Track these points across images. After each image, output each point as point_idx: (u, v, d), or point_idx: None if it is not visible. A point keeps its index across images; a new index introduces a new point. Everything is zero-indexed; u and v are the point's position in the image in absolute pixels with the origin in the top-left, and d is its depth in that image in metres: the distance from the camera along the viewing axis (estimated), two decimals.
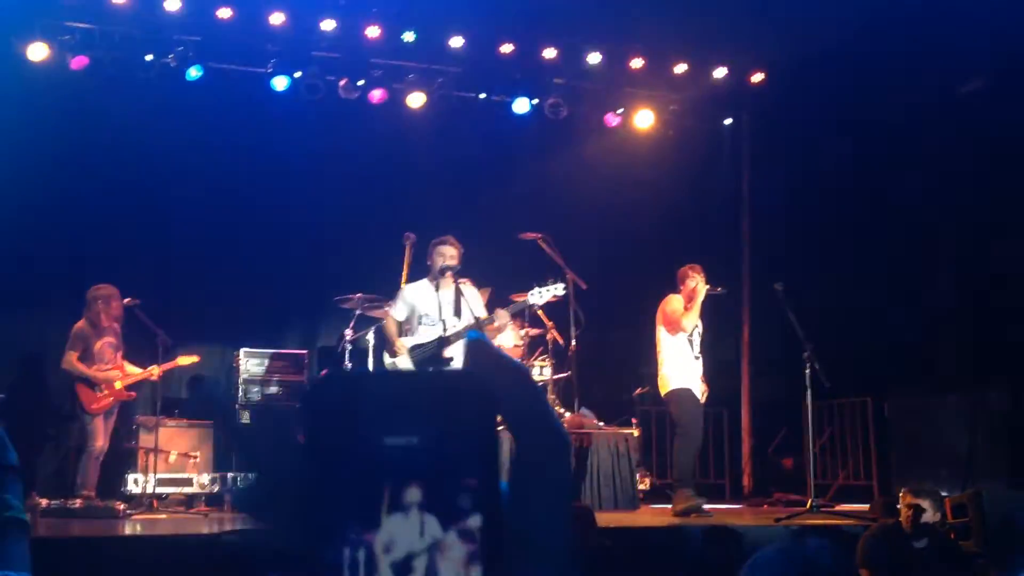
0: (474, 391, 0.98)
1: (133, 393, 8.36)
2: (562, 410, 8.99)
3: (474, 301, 7.48)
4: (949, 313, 9.59)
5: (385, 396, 0.97)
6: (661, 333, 8.11)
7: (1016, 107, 8.72)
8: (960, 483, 8.01)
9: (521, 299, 7.60)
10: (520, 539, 0.95)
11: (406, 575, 0.96)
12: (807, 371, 7.60)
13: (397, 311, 7.58)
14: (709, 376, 8.26)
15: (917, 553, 5.61)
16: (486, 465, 0.98)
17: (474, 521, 0.95)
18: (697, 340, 8.05)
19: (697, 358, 8.01)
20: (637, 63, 10.39)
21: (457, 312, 7.39)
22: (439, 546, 0.96)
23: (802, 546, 1.98)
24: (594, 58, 10.30)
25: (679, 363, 7.95)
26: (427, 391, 0.98)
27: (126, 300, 8.22)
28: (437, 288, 7.47)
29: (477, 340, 0.90)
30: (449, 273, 7.41)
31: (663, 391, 8.05)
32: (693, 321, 7.95)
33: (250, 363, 9.11)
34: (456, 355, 7.30)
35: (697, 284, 8.00)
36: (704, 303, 8.01)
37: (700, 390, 8.01)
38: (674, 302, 8.08)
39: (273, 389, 9.05)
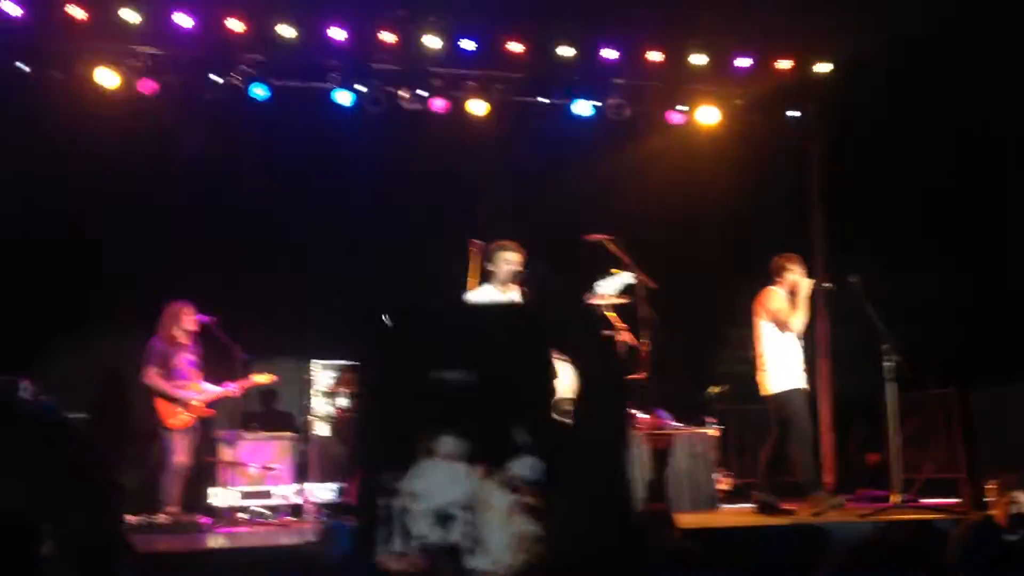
0: (530, 327, 0.96)
1: (212, 410, 8.47)
2: (638, 412, 8.90)
3: None
4: None
5: (443, 331, 0.95)
6: (763, 329, 7.79)
7: None
8: None
9: (585, 296, 7.50)
10: (585, 468, 0.92)
11: (446, 523, 0.93)
12: (887, 364, 7.43)
13: None
14: None
15: (1012, 546, 5.44)
16: (539, 404, 0.95)
17: (520, 467, 0.92)
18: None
19: (802, 344, 7.70)
20: (698, 59, 10.28)
21: None
22: (480, 497, 0.93)
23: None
24: (654, 56, 10.22)
25: (786, 362, 7.65)
26: (484, 327, 0.96)
27: (203, 317, 8.34)
28: (503, 294, 7.44)
29: (539, 270, 0.87)
30: (513, 280, 7.37)
31: (767, 391, 7.76)
32: (803, 320, 7.63)
33: (323, 375, 9.19)
34: None
35: (798, 279, 7.69)
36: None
37: (806, 380, 7.70)
38: (777, 299, 7.76)
39: (345, 400, 9.11)
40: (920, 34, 8.99)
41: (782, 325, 7.68)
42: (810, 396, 7.70)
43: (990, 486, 7.17)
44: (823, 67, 10.48)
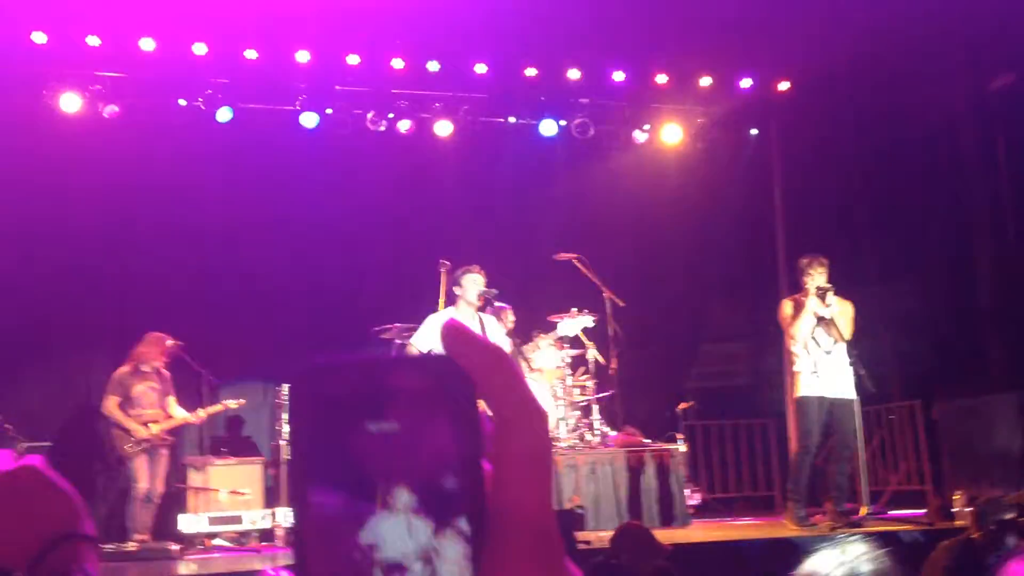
0: (453, 375, 0.98)
1: (170, 438, 8.37)
2: (607, 429, 8.96)
3: (496, 333, 7.52)
4: (992, 312, 9.48)
5: (365, 383, 0.96)
6: (786, 339, 7.81)
7: None
8: (1015, 483, 7.88)
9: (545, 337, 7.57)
10: (505, 516, 0.95)
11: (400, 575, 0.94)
12: (853, 377, 7.51)
13: (419, 339, 7.57)
14: (755, 387, 8.15)
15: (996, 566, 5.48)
16: (469, 454, 0.97)
17: (462, 520, 0.94)
18: (824, 333, 7.54)
19: (828, 352, 7.50)
20: (661, 78, 10.41)
21: None
22: (431, 547, 0.95)
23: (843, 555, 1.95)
24: (618, 76, 10.33)
25: (801, 368, 7.58)
26: (407, 377, 0.97)
27: (169, 343, 8.29)
28: (465, 318, 7.48)
29: (452, 324, 0.89)
30: (482, 300, 7.43)
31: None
32: (804, 330, 7.49)
33: None
34: None
35: (810, 281, 7.50)
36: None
37: (836, 388, 7.49)
38: (785, 307, 7.72)
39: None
40: (878, 51, 9.14)
41: (787, 335, 7.70)
42: (826, 403, 7.48)
43: (957, 497, 7.30)
44: (783, 85, 10.63)
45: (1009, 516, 5.44)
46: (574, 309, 7.88)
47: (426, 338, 7.56)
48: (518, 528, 0.97)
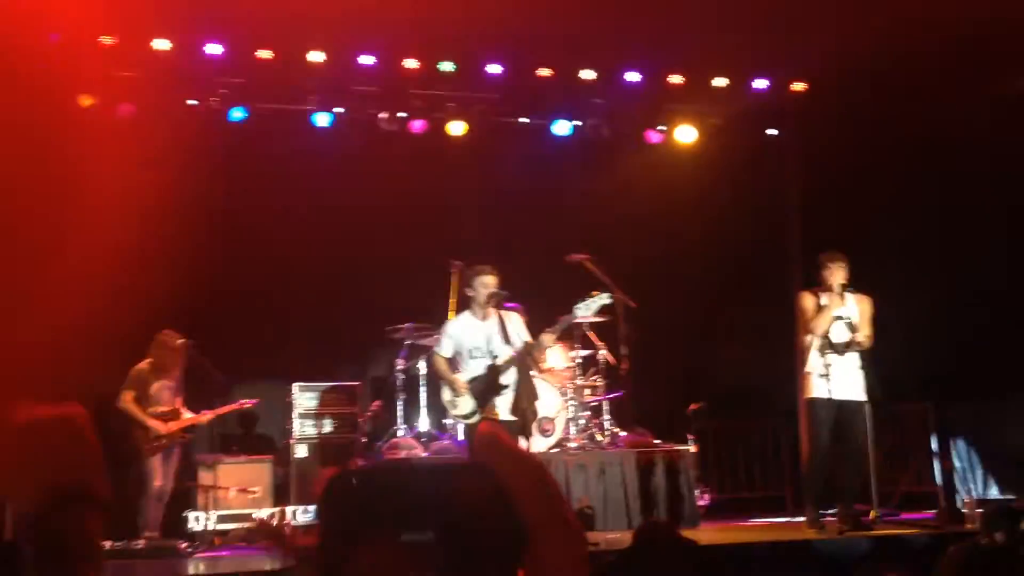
0: (486, 486, 0.96)
1: (188, 435, 8.43)
2: (617, 429, 8.94)
3: (518, 327, 7.48)
4: (1005, 314, 9.39)
5: (400, 491, 0.94)
6: (800, 335, 7.74)
7: None
8: None
9: (565, 319, 7.49)
10: None
11: None
12: (864, 379, 7.46)
13: (444, 348, 7.55)
14: (767, 387, 8.06)
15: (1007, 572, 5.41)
16: (503, 566, 0.95)
17: None
18: (841, 331, 7.50)
19: (842, 353, 7.44)
20: (676, 79, 10.37)
21: (506, 340, 7.38)
22: None
23: None
24: (632, 77, 10.30)
25: (812, 369, 7.54)
26: (442, 485, 0.96)
27: (180, 342, 8.33)
28: (483, 319, 7.46)
29: (487, 432, 0.88)
30: (492, 302, 7.41)
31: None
32: (824, 326, 7.46)
33: (303, 397, 9.18)
34: (510, 381, 7.31)
35: (831, 279, 7.48)
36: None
37: (845, 390, 7.43)
38: (804, 300, 7.65)
39: (327, 422, 9.09)
40: (895, 51, 9.07)
41: (806, 329, 7.60)
42: (835, 404, 7.41)
43: (967, 500, 7.24)
44: (799, 86, 10.56)
45: (1021, 523, 5.38)
46: (593, 291, 7.75)
47: (448, 346, 7.53)
48: None
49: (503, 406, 7.26)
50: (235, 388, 8.87)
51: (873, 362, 7.50)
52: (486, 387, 7.31)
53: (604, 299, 7.48)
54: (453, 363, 7.50)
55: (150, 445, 8.11)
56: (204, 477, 8.48)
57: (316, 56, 9.51)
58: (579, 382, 8.97)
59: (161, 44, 9.07)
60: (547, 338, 7.32)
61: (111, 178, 9.05)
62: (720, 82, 10.52)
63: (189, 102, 9.35)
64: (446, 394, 7.51)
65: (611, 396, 9.03)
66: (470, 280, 7.54)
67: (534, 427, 8.32)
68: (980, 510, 6.57)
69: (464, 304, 7.82)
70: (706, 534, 8.02)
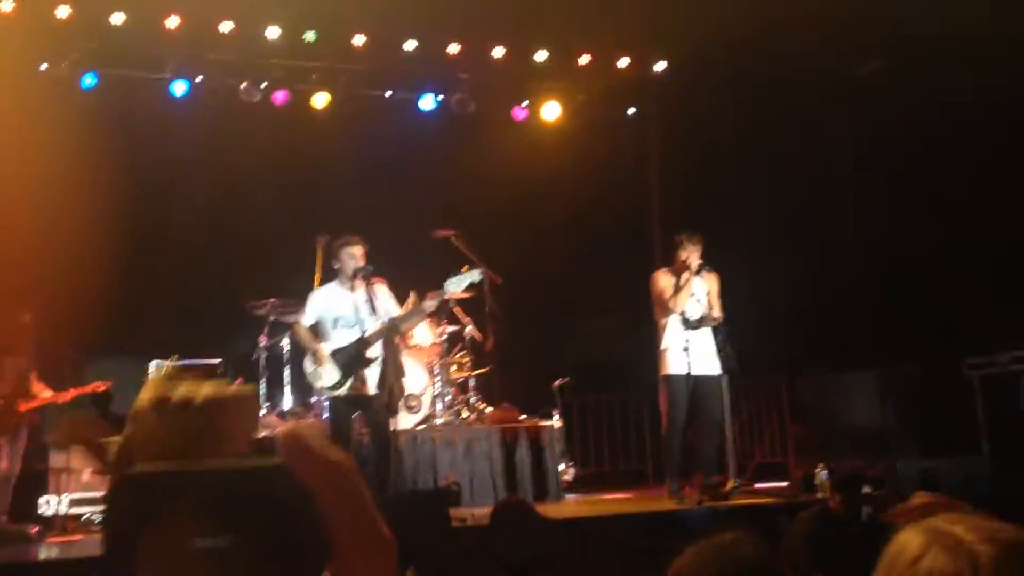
0: (288, 489, 0.92)
1: (36, 416, 8.05)
2: (483, 406, 9.00)
3: (386, 300, 7.42)
4: (855, 291, 9.83)
5: (193, 496, 0.91)
6: (656, 313, 7.76)
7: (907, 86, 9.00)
8: (874, 456, 8.23)
9: (436, 295, 7.45)
10: None
11: None
12: (721, 354, 7.69)
13: (306, 317, 7.42)
14: (630, 362, 8.20)
15: (853, 535, 5.68)
16: (302, 573, 0.93)
17: None
18: (695, 308, 7.62)
19: (696, 328, 7.57)
20: (541, 55, 10.43)
21: (373, 311, 7.30)
22: None
23: (720, 542, 1.99)
24: (498, 52, 10.31)
25: (667, 345, 7.63)
26: (238, 490, 0.92)
27: (25, 316, 7.94)
28: (351, 290, 7.36)
29: (292, 434, 0.85)
30: (359, 276, 7.31)
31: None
32: (682, 304, 7.55)
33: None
34: (377, 354, 7.23)
35: (688, 258, 7.56)
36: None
37: (702, 366, 7.56)
38: (660, 280, 7.72)
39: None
40: (756, 33, 9.32)
41: (663, 309, 7.68)
42: (692, 379, 7.54)
43: (819, 470, 7.58)
44: (660, 65, 10.77)
45: (865, 489, 5.69)
46: (464, 267, 7.74)
47: (310, 315, 7.40)
48: None
49: (371, 379, 7.17)
50: (90, 364, 8.53)
51: (729, 337, 7.71)
52: (352, 359, 7.21)
53: (475, 275, 7.47)
54: (317, 333, 7.35)
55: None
56: (56, 459, 8.14)
57: (172, 21, 9.17)
58: (446, 359, 8.99)
59: (6, 5, 8.60)
60: (428, 304, 7.26)
61: None
62: (584, 59, 10.63)
63: (40, 67, 8.88)
64: (308, 364, 7.36)
65: (478, 372, 9.08)
66: (337, 251, 7.40)
67: (400, 404, 8.28)
68: (827, 478, 6.91)
69: (330, 279, 7.71)
70: (570, 507, 8.19)
